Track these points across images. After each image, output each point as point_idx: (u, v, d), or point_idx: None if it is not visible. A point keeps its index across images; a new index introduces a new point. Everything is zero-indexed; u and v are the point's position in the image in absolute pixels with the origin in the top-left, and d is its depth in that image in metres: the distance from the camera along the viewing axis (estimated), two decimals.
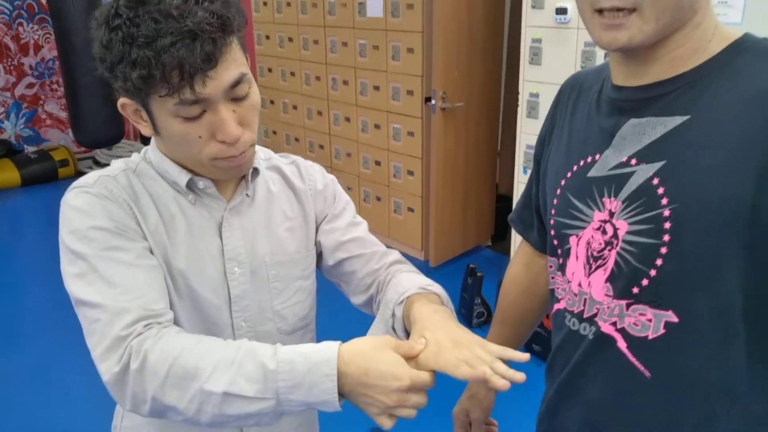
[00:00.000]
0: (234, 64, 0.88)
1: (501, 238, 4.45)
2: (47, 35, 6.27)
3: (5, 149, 6.09)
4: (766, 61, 0.82)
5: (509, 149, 4.32)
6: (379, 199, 4.36)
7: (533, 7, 3.14)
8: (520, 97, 3.35)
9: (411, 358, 0.84)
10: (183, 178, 0.98)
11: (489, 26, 3.99)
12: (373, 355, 0.82)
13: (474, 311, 3.41)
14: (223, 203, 1.02)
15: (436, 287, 1.03)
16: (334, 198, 1.15)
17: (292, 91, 4.97)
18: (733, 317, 0.84)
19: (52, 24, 5.38)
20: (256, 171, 1.05)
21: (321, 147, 4.78)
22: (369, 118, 4.26)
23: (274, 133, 5.32)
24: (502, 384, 0.80)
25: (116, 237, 0.91)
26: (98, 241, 0.90)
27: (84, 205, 0.93)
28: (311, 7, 4.54)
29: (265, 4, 5.05)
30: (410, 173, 4.08)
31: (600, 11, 0.82)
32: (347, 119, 4.46)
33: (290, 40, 4.85)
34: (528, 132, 3.34)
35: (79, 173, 6.27)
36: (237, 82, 0.88)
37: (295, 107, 5.00)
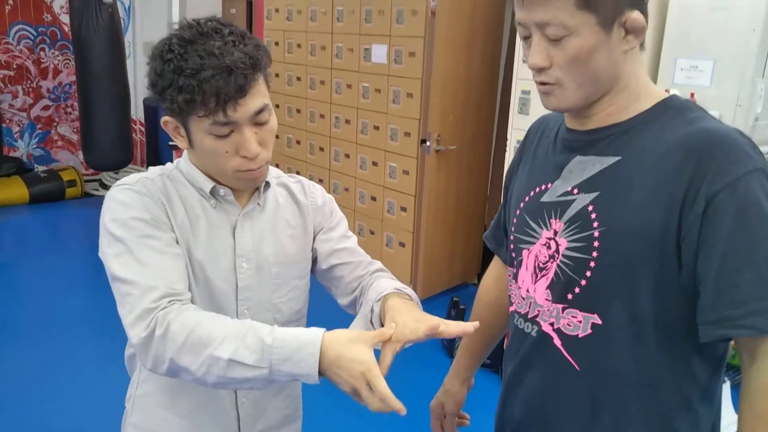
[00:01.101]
0: (259, 95, 1.10)
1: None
2: (66, 60, 6.58)
3: (16, 167, 6.31)
4: (683, 118, 1.04)
5: (498, 193, 4.55)
6: (372, 232, 4.58)
7: (524, 61, 3.40)
8: (508, 143, 3.58)
9: (386, 340, 1.03)
10: (208, 185, 1.19)
11: (485, 77, 4.27)
12: (347, 345, 0.99)
13: (456, 342, 3.59)
14: (238, 209, 1.23)
15: (409, 290, 1.23)
16: (331, 213, 1.36)
17: (297, 127, 5.24)
18: (645, 321, 1.03)
19: (73, 50, 5.67)
20: (267, 184, 1.26)
21: (321, 180, 5.01)
22: (368, 155, 4.51)
23: (276, 165, 5.56)
24: (454, 330, 1.00)
25: (151, 227, 1.12)
26: (136, 229, 1.10)
27: (126, 199, 1.13)
28: (320, 50, 4.84)
29: (276, 44, 5.35)
30: (403, 209, 4.30)
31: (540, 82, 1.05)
32: (347, 156, 4.71)
33: (298, 79, 5.15)
34: None
35: (86, 195, 6.50)
36: (260, 110, 1.11)
37: (298, 142, 5.26)
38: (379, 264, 1.34)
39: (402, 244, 4.36)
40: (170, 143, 6.43)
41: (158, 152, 7.05)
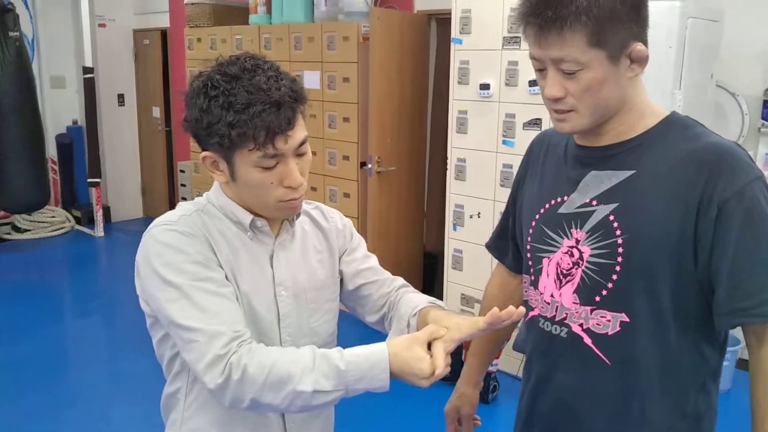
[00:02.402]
0: (301, 127, 1.14)
1: (428, 292, 4.75)
2: None
3: None
4: (687, 133, 1.17)
5: (435, 210, 4.71)
6: None
7: (459, 83, 3.57)
8: (448, 162, 3.72)
9: (438, 338, 1.10)
10: (247, 218, 1.21)
11: (415, 99, 4.42)
12: (405, 355, 1.08)
13: None
14: (272, 239, 1.26)
15: (440, 302, 1.30)
16: (351, 236, 1.40)
17: None
18: (666, 315, 1.16)
19: None
20: (298, 214, 1.30)
21: None
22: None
23: None
24: (515, 311, 1.06)
25: (204, 269, 1.13)
26: (189, 273, 1.11)
27: (173, 240, 1.14)
28: None
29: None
30: None
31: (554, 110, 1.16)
32: None
33: None
34: (456, 193, 3.69)
35: None
36: (303, 142, 1.15)
37: None
38: (401, 280, 1.40)
39: None
40: (89, 180, 6.20)
41: (74, 191, 6.76)
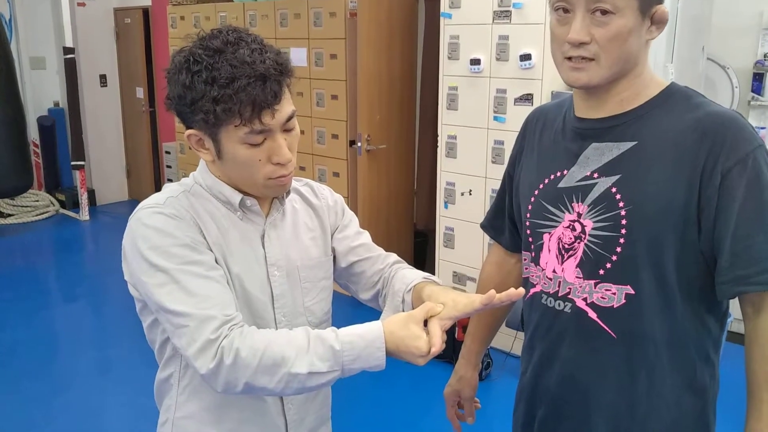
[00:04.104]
0: (288, 101, 1.11)
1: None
2: None
3: None
4: (688, 103, 1.15)
5: (425, 188, 4.67)
6: None
7: (449, 58, 3.52)
8: (439, 139, 3.69)
9: (434, 315, 1.08)
10: (236, 197, 1.17)
11: (404, 75, 4.36)
12: (404, 328, 1.06)
13: None
14: (263, 218, 1.22)
15: (434, 277, 1.28)
16: (343, 212, 1.37)
17: None
18: (671, 285, 1.14)
19: None
20: (288, 192, 1.26)
21: None
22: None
23: None
24: (514, 293, 1.05)
25: (192, 252, 1.09)
26: (177, 256, 1.08)
27: (160, 224, 1.10)
28: None
29: None
30: None
31: (569, 58, 1.13)
32: None
33: None
34: (447, 170, 3.66)
35: None
36: (291, 116, 1.11)
37: None
38: (394, 256, 1.38)
39: None
40: (73, 163, 6.10)
41: (58, 174, 6.66)
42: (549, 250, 1.25)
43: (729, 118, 1.11)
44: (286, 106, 1.10)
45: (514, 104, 3.29)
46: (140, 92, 6.59)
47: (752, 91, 3.57)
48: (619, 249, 1.14)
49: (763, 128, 3.60)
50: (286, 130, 1.12)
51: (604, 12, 1.08)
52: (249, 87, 1.03)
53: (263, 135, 1.09)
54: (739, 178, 1.08)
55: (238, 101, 1.03)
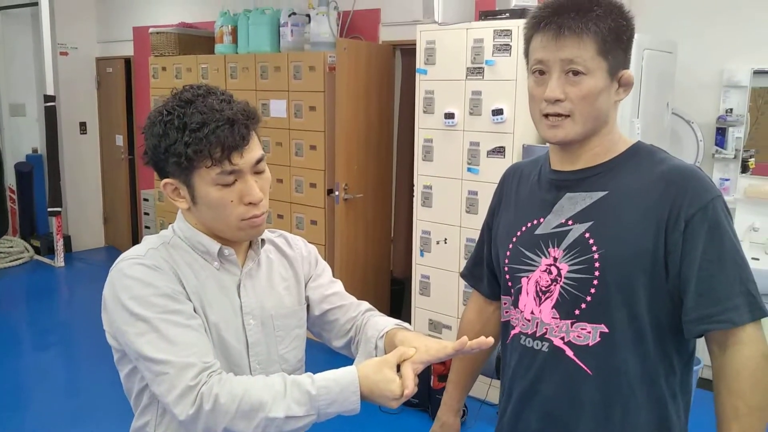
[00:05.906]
0: (257, 146, 1.18)
1: (396, 318, 4.75)
2: None
3: None
4: (653, 159, 1.25)
5: (401, 236, 4.73)
6: None
7: (425, 111, 3.62)
8: (415, 189, 3.76)
9: (407, 359, 1.12)
10: (215, 247, 1.22)
11: (382, 127, 4.47)
12: (378, 373, 1.10)
13: None
14: (239, 269, 1.26)
15: (406, 324, 1.32)
16: (316, 262, 1.42)
17: None
18: (643, 324, 1.21)
19: None
20: (263, 241, 1.31)
21: None
22: (273, 208, 4.53)
23: None
24: (484, 341, 1.10)
25: (172, 302, 1.13)
26: (158, 306, 1.12)
27: (140, 274, 1.14)
28: None
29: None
30: None
31: (546, 116, 1.22)
32: None
33: None
34: (423, 219, 3.72)
35: None
36: (260, 160, 1.18)
37: None
38: (366, 304, 1.42)
39: None
40: (50, 210, 6.08)
41: (33, 220, 6.62)
42: (527, 293, 1.31)
43: (690, 171, 1.21)
44: (255, 149, 1.17)
45: (487, 156, 3.38)
46: (120, 140, 6.64)
47: (716, 144, 3.71)
48: (593, 290, 1.22)
49: (727, 180, 3.74)
50: (257, 173, 1.19)
51: (576, 73, 1.18)
52: (218, 130, 1.11)
53: (234, 176, 1.15)
54: (701, 224, 1.17)
55: (208, 143, 1.11)
